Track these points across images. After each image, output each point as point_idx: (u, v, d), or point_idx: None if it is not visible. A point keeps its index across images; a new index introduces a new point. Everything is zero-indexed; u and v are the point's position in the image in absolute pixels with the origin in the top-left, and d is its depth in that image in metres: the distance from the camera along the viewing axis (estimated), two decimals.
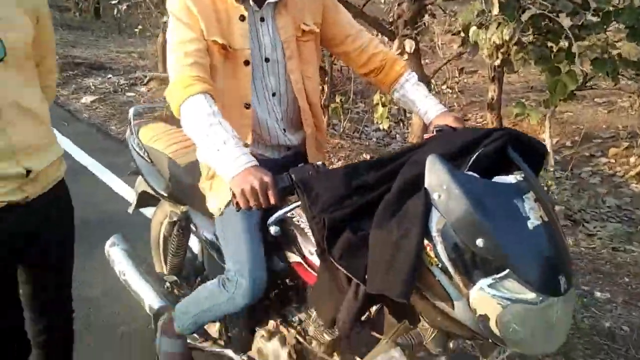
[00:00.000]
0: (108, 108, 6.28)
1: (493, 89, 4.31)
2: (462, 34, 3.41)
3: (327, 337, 1.44)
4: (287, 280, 1.53)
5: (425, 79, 4.03)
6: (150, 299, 2.03)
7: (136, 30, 8.10)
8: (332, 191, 1.15)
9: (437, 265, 1.03)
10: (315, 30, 1.56)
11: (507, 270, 0.97)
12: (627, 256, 3.06)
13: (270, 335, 1.59)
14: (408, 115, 5.39)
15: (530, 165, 1.15)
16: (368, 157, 4.46)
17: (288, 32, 1.51)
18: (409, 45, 3.77)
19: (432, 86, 5.52)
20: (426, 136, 1.39)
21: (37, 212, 1.39)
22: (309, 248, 1.42)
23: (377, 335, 1.35)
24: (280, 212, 1.26)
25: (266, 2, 1.46)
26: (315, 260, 1.37)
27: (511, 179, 1.07)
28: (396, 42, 3.85)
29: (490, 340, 1.05)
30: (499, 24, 2.92)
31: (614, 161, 4.82)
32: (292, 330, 1.54)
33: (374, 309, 1.31)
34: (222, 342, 1.85)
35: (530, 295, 0.97)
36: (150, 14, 7.86)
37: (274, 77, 1.53)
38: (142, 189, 2.19)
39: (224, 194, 1.50)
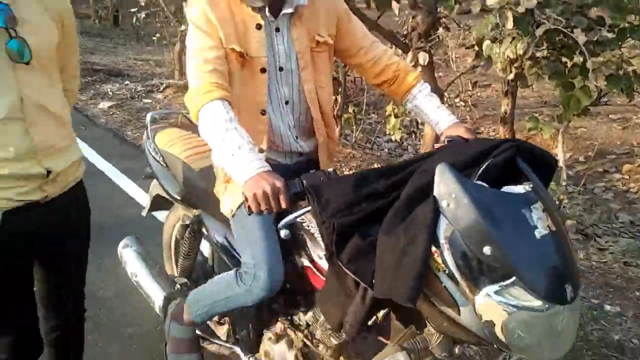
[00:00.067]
0: (125, 114, 6.38)
1: (506, 103, 4.31)
2: (476, 48, 3.43)
3: (334, 341, 1.45)
4: (296, 284, 1.54)
5: (438, 92, 4.05)
6: (160, 300, 2.06)
7: (154, 38, 8.23)
8: (342, 197, 1.17)
9: (444, 271, 1.05)
10: (329, 41, 1.59)
11: (514, 278, 0.99)
12: (639, 271, 3.04)
13: (278, 337, 1.60)
14: (420, 127, 5.40)
15: (540, 176, 1.17)
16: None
17: (302, 43, 1.54)
18: (423, 57, 3.79)
19: (445, 99, 5.52)
20: (437, 146, 1.41)
21: (56, 212, 1.42)
22: (318, 252, 1.44)
23: (384, 340, 1.36)
24: (291, 217, 1.28)
25: (282, 13, 1.49)
26: (324, 264, 1.38)
27: (520, 189, 1.09)
28: (410, 54, 3.87)
29: (495, 346, 1.06)
30: (513, 38, 2.93)
31: (627, 177, 4.77)
32: (300, 334, 1.56)
33: (381, 314, 1.32)
34: (230, 344, 1.87)
35: (536, 303, 0.98)
36: (169, 23, 7.99)
37: (288, 86, 1.56)
38: (156, 193, 2.23)
39: (237, 197, 1.52)
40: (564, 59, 3.20)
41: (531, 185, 1.09)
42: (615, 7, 2.86)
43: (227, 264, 1.80)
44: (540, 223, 1.03)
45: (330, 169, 1.32)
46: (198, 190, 1.86)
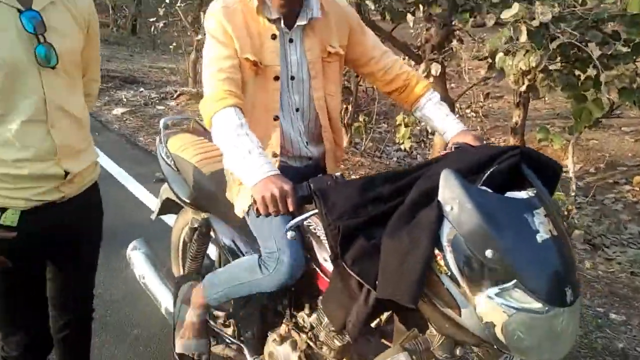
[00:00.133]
0: (138, 120, 6.47)
1: (518, 114, 4.31)
2: (489, 60, 3.44)
3: (338, 343, 1.46)
4: (301, 286, 1.56)
5: (449, 102, 4.06)
6: (167, 301, 2.09)
7: (170, 47, 8.36)
8: (348, 201, 1.19)
9: (447, 273, 1.06)
10: (340, 52, 1.63)
11: (515, 281, 1.00)
12: None
13: (282, 339, 1.62)
14: (430, 136, 5.40)
15: (545, 183, 1.17)
16: None
17: (314, 54, 1.59)
18: (435, 68, 3.81)
19: (457, 110, 5.53)
20: (443, 152, 1.42)
21: (71, 212, 1.45)
22: (324, 255, 1.46)
23: (387, 343, 1.37)
24: (298, 218, 1.30)
25: (296, 25, 1.54)
26: (329, 267, 1.40)
27: (523, 194, 1.10)
28: (422, 65, 3.90)
29: (496, 347, 1.07)
30: (527, 51, 2.95)
31: (638, 189, 4.75)
32: (304, 335, 1.57)
33: (384, 317, 1.33)
34: (235, 345, 1.89)
35: (536, 305, 0.99)
36: (185, 32, 8.12)
37: (299, 94, 1.61)
38: (166, 196, 2.27)
39: (248, 199, 1.56)
40: (577, 72, 3.21)
41: (534, 191, 1.10)
42: (631, 23, 2.86)
43: None
44: (542, 228, 1.04)
45: (338, 174, 1.34)
46: (207, 193, 1.89)
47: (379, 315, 1.31)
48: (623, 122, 5.85)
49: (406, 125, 4.33)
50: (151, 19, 8.40)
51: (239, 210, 1.63)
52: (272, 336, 1.67)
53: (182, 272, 2.34)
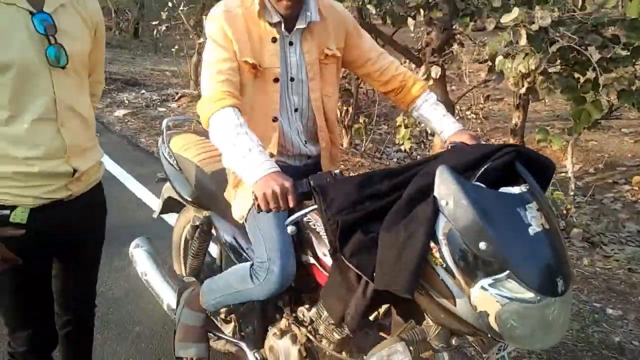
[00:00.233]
0: (139, 122, 6.51)
1: (517, 116, 4.34)
2: (489, 63, 3.48)
3: (337, 336, 1.49)
4: (300, 281, 1.59)
5: (449, 104, 4.10)
6: (169, 298, 2.12)
7: (172, 50, 8.41)
8: (346, 197, 1.22)
9: (442, 265, 1.09)
10: (337, 54, 1.67)
11: (508, 271, 1.03)
12: None
13: (282, 333, 1.65)
14: (430, 137, 5.43)
15: (539, 180, 1.20)
16: None
17: (312, 56, 1.62)
18: (435, 71, 3.85)
19: (457, 111, 5.56)
20: (439, 150, 1.45)
21: (78, 211, 1.48)
22: (323, 250, 1.49)
23: (385, 336, 1.40)
24: (298, 214, 1.33)
25: (295, 28, 1.58)
26: (328, 261, 1.43)
27: (516, 190, 1.13)
28: (422, 68, 3.93)
29: (490, 336, 1.10)
30: (526, 54, 2.98)
31: (637, 188, 4.78)
32: (303, 329, 1.59)
33: (382, 310, 1.36)
34: (235, 340, 1.92)
35: (529, 295, 1.02)
36: (187, 35, 8.17)
37: (297, 95, 1.64)
38: (168, 195, 2.30)
39: (247, 202, 1.60)
40: (576, 75, 3.24)
41: (527, 187, 1.13)
42: (631, 27, 2.89)
43: (235, 263, 1.85)
44: (534, 221, 1.07)
45: (337, 171, 1.37)
46: (209, 192, 1.92)
47: (377, 308, 1.34)
48: (623, 123, 5.87)
49: (406, 127, 4.36)
50: (154, 22, 8.45)
51: (237, 216, 1.67)
52: (272, 330, 1.69)
53: (183, 270, 2.36)
